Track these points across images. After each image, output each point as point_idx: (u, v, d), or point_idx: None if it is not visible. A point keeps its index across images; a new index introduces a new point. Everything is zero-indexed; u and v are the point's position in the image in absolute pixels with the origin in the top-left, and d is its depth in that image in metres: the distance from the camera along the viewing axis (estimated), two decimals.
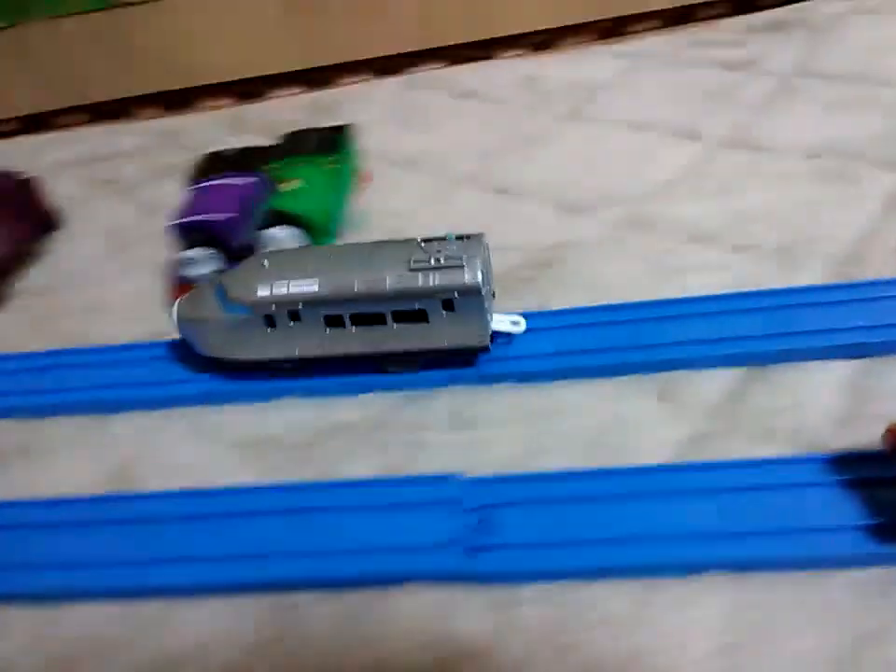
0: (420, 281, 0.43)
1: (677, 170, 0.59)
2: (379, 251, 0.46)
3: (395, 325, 0.45)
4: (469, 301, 0.43)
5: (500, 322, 0.47)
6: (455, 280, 0.43)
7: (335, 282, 0.45)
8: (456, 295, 0.43)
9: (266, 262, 0.47)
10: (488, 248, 0.46)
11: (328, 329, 0.46)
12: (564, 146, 0.65)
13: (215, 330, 0.48)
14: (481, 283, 0.43)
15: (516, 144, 0.67)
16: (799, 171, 0.56)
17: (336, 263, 0.46)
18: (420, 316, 0.45)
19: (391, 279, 0.44)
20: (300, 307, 0.45)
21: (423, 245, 0.45)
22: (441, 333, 0.45)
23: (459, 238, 0.45)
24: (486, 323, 0.45)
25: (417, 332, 0.45)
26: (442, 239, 0.45)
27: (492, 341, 0.46)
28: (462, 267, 0.43)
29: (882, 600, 0.30)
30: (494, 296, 0.48)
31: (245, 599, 0.35)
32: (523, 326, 0.47)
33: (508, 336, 0.47)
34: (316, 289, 0.45)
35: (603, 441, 0.40)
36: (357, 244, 0.50)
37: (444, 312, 0.44)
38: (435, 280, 0.43)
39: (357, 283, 0.44)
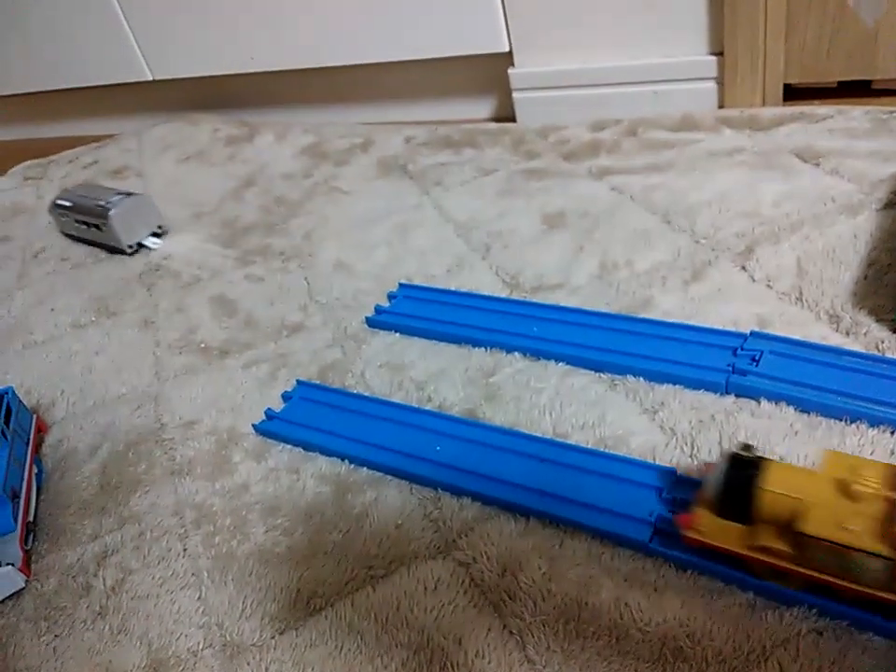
0: (97, 212, 1.02)
1: None
2: (101, 192, 1.06)
3: (95, 230, 1.03)
4: (110, 226, 1.00)
5: (147, 242, 1.04)
6: (103, 213, 1.00)
7: (76, 204, 1.06)
8: (104, 222, 1.01)
9: (71, 188, 1.13)
10: (152, 205, 1.05)
11: (81, 227, 1.06)
12: None
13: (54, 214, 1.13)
14: (114, 218, 0.99)
15: None
16: None
17: (90, 193, 1.08)
18: (100, 227, 1.02)
19: (92, 206, 1.02)
20: (65, 212, 1.08)
21: (119, 192, 1.04)
22: (106, 238, 1.03)
23: (132, 194, 1.04)
24: (121, 240, 1.01)
25: (100, 234, 1.04)
26: (130, 194, 1.04)
27: (138, 250, 1.04)
28: (110, 208, 1.00)
29: None
30: (161, 230, 1.05)
31: None
32: (157, 246, 1.04)
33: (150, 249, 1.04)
34: (69, 205, 1.07)
35: None
36: (107, 188, 1.12)
37: (103, 228, 1.01)
38: (101, 212, 1.01)
39: (78, 205, 1.05)
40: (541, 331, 0.69)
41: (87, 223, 1.06)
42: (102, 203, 1.02)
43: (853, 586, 0.41)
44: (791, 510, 0.42)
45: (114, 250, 1.05)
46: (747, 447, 0.46)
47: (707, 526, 0.45)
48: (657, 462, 0.55)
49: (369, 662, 0.48)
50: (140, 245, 1.04)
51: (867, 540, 0.40)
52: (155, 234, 1.06)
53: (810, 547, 0.41)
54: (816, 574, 0.42)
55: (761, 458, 0.45)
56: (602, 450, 0.57)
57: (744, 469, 0.45)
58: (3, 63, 1.62)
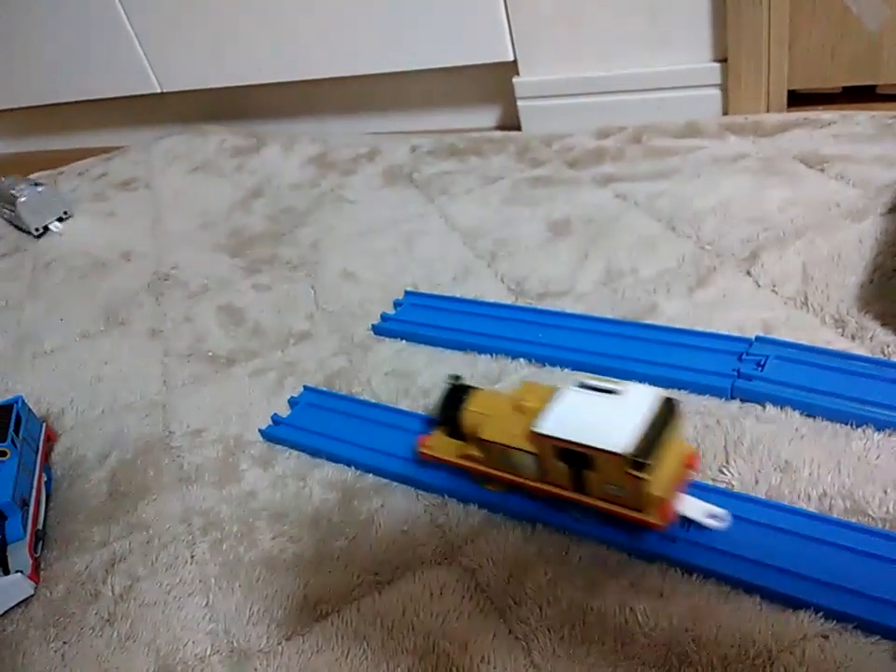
0: (9, 199, 1.23)
1: None
2: (17, 183, 1.26)
3: (10, 213, 1.25)
4: (18, 212, 1.21)
5: (52, 226, 1.24)
6: (13, 200, 1.21)
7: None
8: (13, 208, 1.22)
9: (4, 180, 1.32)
10: (58, 195, 1.27)
11: (4, 211, 1.29)
12: None
13: None
14: (20, 205, 1.20)
15: None
16: None
17: (10, 183, 1.25)
18: (12, 212, 1.23)
19: (7, 194, 1.23)
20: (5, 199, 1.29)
21: (32, 183, 1.25)
22: (17, 221, 1.24)
23: (40, 185, 1.24)
24: (28, 224, 1.21)
25: (14, 218, 1.24)
26: (38, 184, 1.24)
27: (44, 233, 1.25)
28: (18, 196, 1.20)
29: None
30: (66, 216, 1.25)
31: None
32: (59, 230, 1.24)
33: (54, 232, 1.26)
34: None
35: None
36: (26, 179, 1.30)
37: (14, 213, 1.23)
38: (12, 199, 1.23)
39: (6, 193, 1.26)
40: (547, 338, 0.70)
41: (5, 208, 1.28)
42: (14, 191, 1.22)
43: (521, 480, 0.52)
44: (482, 423, 0.53)
45: (24, 231, 1.26)
46: (455, 377, 0.59)
47: (437, 444, 0.57)
48: None
49: (375, 667, 0.48)
50: (46, 229, 1.24)
51: (519, 441, 0.50)
52: (60, 220, 1.25)
53: (491, 451, 0.52)
54: (501, 474, 0.53)
55: (469, 387, 0.56)
56: None
57: (457, 396, 0.56)
58: (13, 75, 1.64)
